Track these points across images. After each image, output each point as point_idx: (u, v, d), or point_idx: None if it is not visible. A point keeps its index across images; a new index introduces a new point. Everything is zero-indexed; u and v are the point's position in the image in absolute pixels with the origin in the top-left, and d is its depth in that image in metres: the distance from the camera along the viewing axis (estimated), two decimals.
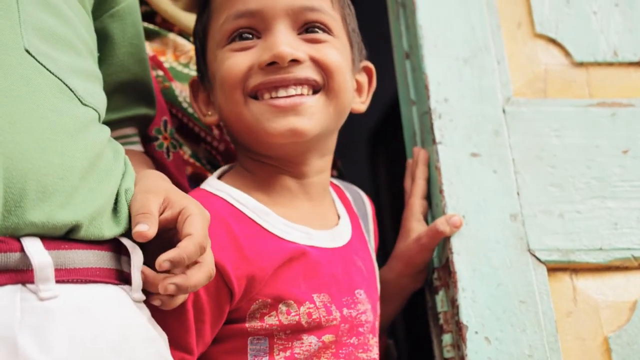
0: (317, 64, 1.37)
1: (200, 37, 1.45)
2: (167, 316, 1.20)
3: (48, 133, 1.08)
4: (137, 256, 1.13)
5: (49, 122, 1.09)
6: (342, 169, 1.85)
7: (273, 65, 1.34)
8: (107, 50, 1.36)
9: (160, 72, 1.57)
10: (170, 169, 1.52)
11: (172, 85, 1.58)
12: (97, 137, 1.16)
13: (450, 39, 1.61)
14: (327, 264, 1.38)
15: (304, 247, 1.36)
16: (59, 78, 1.13)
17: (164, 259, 1.09)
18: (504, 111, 1.57)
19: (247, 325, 1.30)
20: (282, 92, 1.34)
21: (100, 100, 1.22)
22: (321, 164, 1.44)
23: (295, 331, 1.31)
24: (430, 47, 1.60)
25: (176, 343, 1.22)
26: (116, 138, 1.39)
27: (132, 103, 1.42)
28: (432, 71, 1.58)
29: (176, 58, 1.65)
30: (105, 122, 1.34)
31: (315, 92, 1.37)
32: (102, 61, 1.35)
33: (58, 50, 1.15)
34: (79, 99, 1.15)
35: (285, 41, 1.34)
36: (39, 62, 1.11)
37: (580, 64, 1.64)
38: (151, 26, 1.63)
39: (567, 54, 1.64)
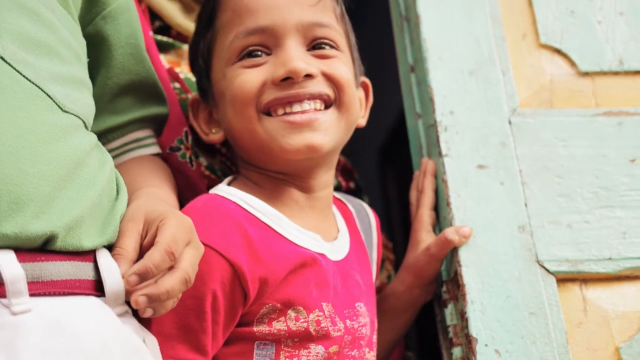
0: (329, 79, 1.38)
1: (204, 55, 1.45)
2: (186, 318, 1.20)
3: (22, 141, 1.05)
4: (109, 270, 1.10)
5: (24, 130, 1.06)
6: (359, 181, 1.85)
7: (287, 80, 1.34)
8: (105, 53, 1.35)
9: (177, 85, 1.57)
10: (194, 178, 1.53)
11: (189, 97, 1.59)
12: (78, 145, 1.13)
13: (455, 52, 1.61)
14: (331, 275, 1.38)
15: (315, 254, 1.36)
16: (36, 85, 1.10)
17: (130, 273, 1.07)
18: (510, 122, 1.56)
19: (254, 329, 1.29)
20: (296, 107, 1.35)
21: (85, 106, 1.19)
22: (327, 178, 1.45)
23: (303, 339, 1.31)
24: (435, 60, 1.60)
25: (193, 345, 1.22)
26: (128, 143, 1.39)
27: (141, 103, 1.41)
28: (437, 84, 1.58)
29: (191, 69, 1.66)
30: (115, 126, 1.34)
31: (327, 107, 1.38)
32: (101, 65, 1.34)
33: (38, 56, 1.13)
34: (58, 106, 1.13)
35: (298, 56, 1.35)
36: (15, 69, 1.09)
37: (586, 74, 1.64)
38: (165, 39, 1.64)
39: (572, 63, 1.64)
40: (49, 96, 1.12)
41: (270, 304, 1.29)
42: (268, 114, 1.35)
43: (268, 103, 1.35)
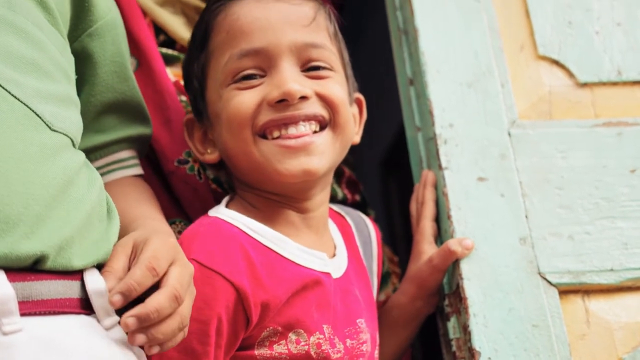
0: (323, 99, 1.38)
1: (198, 76, 1.44)
2: (188, 342, 1.20)
3: (11, 161, 1.05)
4: (94, 282, 1.10)
5: (12, 151, 1.06)
6: (364, 193, 1.85)
7: (282, 102, 1.34)
8: (89, 70, 1.34)
9: (184, 98, 1.58)
10: (203, 191, 1.53)
11: None
12: (67, 164, 1.13)
13: (453, 64, 1.61)
14: (332, 295, 1.38)
15: (319, 275, 1.36)
16: (24, 104, 1.10)
17: (112, 293, 1.06)
18: (509, 134, 1.56)
19: (256, 352, 1.29)
20: (292, 129, 1.35)
21: (73, 124, 1.19)
22: (322, 197, 1.45)
23: None
24: (433, 72, 1.60)
25: None
26: (111, 163, 1.39)
27: (125, 123, 1.41)
28: (436, 97, 1.58)
29: (185, 89, 1.66)
30: (99, 145, 1.33)
31: (321, 127, 1.38)
32: (86, 82, 1.34)
33: (26, 74, 1.13)
34: (47, 125, 1.12)
35: (292, 78, 1.35)
36: (3, 88, 1.09)
37: (585, 85, 1.64)
38: (170, 52, 1.65)
39: (570, 74, 1.64)
40: (38, 115, 1.11)
41: (271, 327, 1.30)
42: (264, 136, 1.35)
43: (263, 125, 1.35)
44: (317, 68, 1.39)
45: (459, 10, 1.65)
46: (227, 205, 1.43)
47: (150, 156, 1.55)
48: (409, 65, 1.68)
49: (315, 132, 1.36)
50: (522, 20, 1.68)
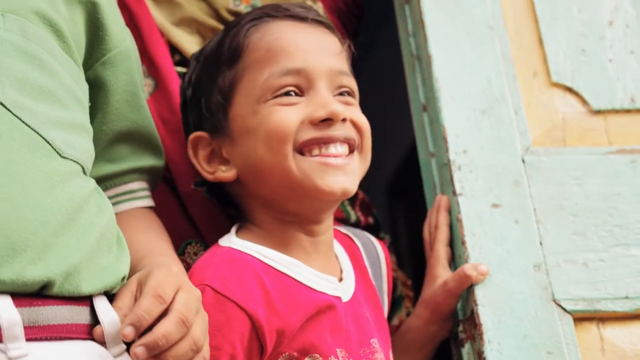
0: (354, 125, 1.42)
1: (223, 91, 1.44)
2: None
3: (20, 188, 1.06)
4: (107, 317, 1.11)
5: (22, 177, 1.06)
6: (377, 215, 1.85)
7: (325, 122, 1.38)
8: (102, 98, 1.35)
9: None
10: (220, 213, 1.54)
11: None
12: (76, 191, 1.13)
13: (467, 91, 1.62)
14: (344, 318, 1.38)
15: (332, 299, 1.37)
16: (35, 131, 1.11)
17: (123, 326, 1.07)
18: (523, 161, 1.57)
19: None
20: (332, 149, 1.38)
21: (84, 151, 1.20)
22: (330, 222, 1.47)
23: None
24: (447, 99, 1.60)
25: None
26: (121, 194, 1.39)
27: (137, 154, 1.41)
28: (450, 123, 1.58)
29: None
30: (110, 175, 1.33)
31: (350, 151, 1.41)
32: (98, 110, 1.34)
33: (38, 101, 1.14)
34: (57, 152, 1.13)
35: (333, 100, 1.40)
36: (14, 114, 1.10)
37: (598, 112, 1.64)
38: (185, 70, 1.66)
39: (584, 102, 1.65)
40: (48, 142, 1.12)
41: (287, 353, 1.30)
42: (300, 153, 1.38)
43: (305, 142, 1.37)
44: (344, 95, 1.44)
45: (472, 37, 1.66)
46: (237, 233, 1.43)
47: (167, 176, 1.55)
48: (422, 91, 1.68)
49: (346, 155, 1.40)
50: (535, 48, 1.69)
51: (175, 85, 1.56)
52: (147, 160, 1.43)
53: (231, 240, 1.40)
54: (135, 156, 1.41)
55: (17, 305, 1.03)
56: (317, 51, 1.43)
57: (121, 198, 1.40)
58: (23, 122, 1.10)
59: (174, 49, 1.67)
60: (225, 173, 1.44)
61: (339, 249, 1.53)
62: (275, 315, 1.29)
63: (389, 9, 1.89)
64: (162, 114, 1.56)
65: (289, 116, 1.37)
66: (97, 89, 1.34)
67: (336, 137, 1.38)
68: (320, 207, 1.41)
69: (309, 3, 1.76)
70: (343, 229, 1.60)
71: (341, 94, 1.44)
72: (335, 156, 1.38)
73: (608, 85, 1.66)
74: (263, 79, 1.40)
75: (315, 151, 1.38)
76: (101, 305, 1.12)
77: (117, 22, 1.37)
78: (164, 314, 1.09)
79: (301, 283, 1.36)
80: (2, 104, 1.09)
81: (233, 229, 1.45)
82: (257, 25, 1.45)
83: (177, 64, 1.65)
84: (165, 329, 1.07)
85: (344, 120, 1.39)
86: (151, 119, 1.45)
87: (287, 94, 1.39)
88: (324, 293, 1.37)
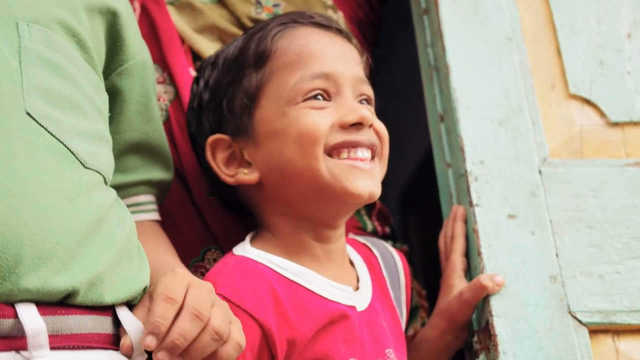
0: (376, 132, 1.44)
1: (250, 94, 1.44)
2: None
3: (46, 197, 1.07)
4: (132, 326, 1.12)
5: (48, 187, 1.08)
6: (394, 225, 1.85)
7: (355, 126, 1.40)
8: (117, 108, 1.37)
9: None
10: (236, 221, 1.55)
11: None
12: (99, 201, 1.15)
13: (484, 101, 1.62)
14: (358, 327, 1.39)
15: (345, 308, 1.37)
16: (60, 141, 1.12)
17: (144, 336, 1.08)
18: (540, 172, 1.57)
19: None
20: (359, 153, 1.40)
21: (106, 162, 1.21)
22: (342, 230, 1.48)
23: None
24: (464, 109, 1.61)
25: None
26: (129, 205, 1.39)
27: (146, 166, 1.42)
28: (467, 133, 1.59)
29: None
30: (119, 186, 1.34)
31: (372, 157, 1.43)
32: (112, 119, 1.35)
33: (62, 112, 1.15)
34: (81, 162, 1.14)
35: (361, 106, 1.43)
36: (40, 124, 1.11)
37: (616, 124, 1.64)
38: None
39: (602, 114, 1.65)
40: (72, 152, 1.14)
41: None
42: (329, 155, 1.39)
43: (334, 145, 1.39)
44: (364, 103, 1.47)
45: (490, 48, 1.67)
46: (251, 242, 1.44)
47: (185, 182, 1.56)
48: (440, 101, 1.69)
49: (369, 160, 1.42)
50: (553, 59, 1.69)
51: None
52: (157, 173, 1.44)
53: (245, 249, 1.41)
54: (145, 168, 1.42)
55: (42, 313, 1.04)
56: (342, 58, 1.46)
57: (129, 210, 1.40)
58: (48, 131, 1.12)
59: (195, 56, 1.67)
60: (248, 175, 1.43)
61: (356, 257, 1.53)
62: (286, 324, 1.29)
63: (405, 18, 1.89)
64: (182, 122, 1.57)
65: (320, 119, 1.39)
66: (113, 99, 1.35)
67: (363, 142, 1.41)
68: (343, 210, 1.44)
69: (330, 13, 1.77)
70: (361, 239, 1.61)
71: (361, 101, 1.46)
72: (362, 160, 1.40)
73: (626, 97, 1.66)
74: (293, 82, 1.41)
75: (344, 154, 1.40)
76: (124, 314, 1.13)
77: (134, 33, 1.39)
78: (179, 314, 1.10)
79: (314, 292, 1.36)
80: (28, 113, 1.11)
81: (248, 237, 1.45)
82: (285, 30, 1.47)
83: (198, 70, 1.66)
84: (180, 327, 1.08)
85: (370, 126, 1.42)
86: (162, 132, 1.46)
87: (316, 97, 1.41)
88: (337, 302, 1.37)
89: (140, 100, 1.39)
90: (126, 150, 1.38)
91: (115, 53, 1.35)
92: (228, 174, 1.45)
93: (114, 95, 1.36)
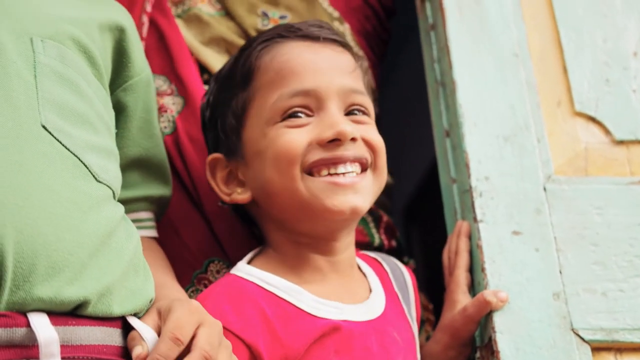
0: (366, 143, 1.42)
1: (237, 114, 1.45)
2: None
3: (60, 209, 1.08)
4: (148, 334, 1.13)
5: (63, 198, 1.09)
6: (401, 239, 1.86)
7: (333, 142, 1.38)
8: (121, 124, 1.38)
9: None
10: (244, 231, 1.55)
11: None
12: (109, 215, 1.16)
13: (490, 118, 1.62)
14: (360, 337, 1.38)
15: (336, 321, 1.36)
16: (74, 154, 1.14)
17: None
18: (545, 189, 1.57)
19: None
20: (341, 169, 1.38)
21: (115, 177, 1.23)
22: (349, 240, 1.47)
23: None
24: (470, 125, 1.61)
25: None
26: None
27: (146, 182, 1.43)
28: (473, 149, 1.59)
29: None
30: (120, 201, 1.37)
31: (362, 170, 1.41)
32: (116, 135, 1.36)
33: (75, 126, 1.16)
34: (93, 176, 1.16)
35: (343, 120, 1.39)
36: (55, 137, 1.13)
37: (621, 142, 1.64)
38: None
39: (607, 132, 1.65)
40: (86, 165, 1.15)
41: None
42: (309, 174, 1.38)
43: (313, 163, 1.37)
44: (357, 113, 1.44)
45: (497, 64, 1.67)
46: (251, 259, 1.44)
47: (192, 194, 1.56)
48: (446, 117, 1.69)
49: (357, 174, 1.40)
50: (559, 77, 1.69)
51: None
52: (157, 189, 1.45)
53: (238, 267, 1.41)
54: (145, 184, 1.43)
55: (53, 323, 1.05)
56: (328, 70, 1.42)
57: None
58: (63, 145, 1.14)
59: (203, 69, 1.68)
60: (241, 195, 1.45)
61: (367, 269, 1.53)
62: (277, 343, 1.29)
63: (411, 32, 1.90)
64: (190, 132, 1.58)
65: (296, 138, 1.37)
66: (117, 114, 1.36)
67: (345, 157, 1.38)
68: (333, 226, 1.42)
69: (336, 25, 1.77)
70: (372, 254, 1.61)
71: (353, 112, 1.43)
72: (345, 175, 1.38)
73: (631, 115, 1.66)
74: (272, 101, 1.41)
75: (324, 172, 1.38)
76: (137, 323, 1.14)
77: (139, 50, 1.41)
78: (186, 351, 1.11)
79: (302, 310, 1.36)
80: (44, 126, 1.12)
81: (250, 254, 1.46)
82: (269, 47, 1.46)
83: (206, 83, 1.67)
84: (160, 349, 1.09)
85: (353, 139, 1.39)
86: (163, 148, 1.47)
87: (296, 115, 1.40)
88: (325, 318, 1.36)
89: (143, 116, 1.41)
90: (127, 166, 1.39)
91: (121, 69, 1.37)
92: (225, 192, 1.47)
93: (118, 111, 1.37)
